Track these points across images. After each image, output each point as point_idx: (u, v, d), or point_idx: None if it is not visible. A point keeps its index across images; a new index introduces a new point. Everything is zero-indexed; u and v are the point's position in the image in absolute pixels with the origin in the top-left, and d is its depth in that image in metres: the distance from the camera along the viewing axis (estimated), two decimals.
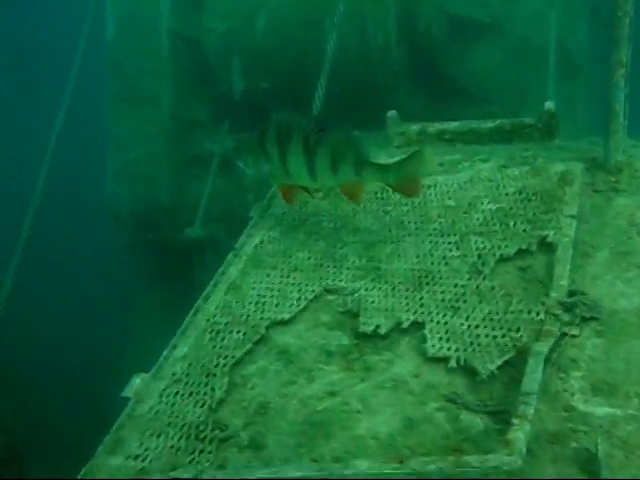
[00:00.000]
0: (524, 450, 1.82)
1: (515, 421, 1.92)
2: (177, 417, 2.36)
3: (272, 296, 2.81)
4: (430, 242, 2.90)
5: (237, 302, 2.81)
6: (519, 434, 1.86)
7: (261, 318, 2.70)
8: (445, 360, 2.34)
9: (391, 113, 3.88)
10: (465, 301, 2.56)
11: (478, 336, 2.39)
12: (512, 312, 2.46)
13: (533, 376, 2.08)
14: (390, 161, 2.99)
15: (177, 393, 2.46)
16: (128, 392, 2.49)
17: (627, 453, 1.90)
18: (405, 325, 2.52)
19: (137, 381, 2.52)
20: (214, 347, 2.62)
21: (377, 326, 2.53)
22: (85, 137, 7.60)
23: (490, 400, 2.16)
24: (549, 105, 3.54)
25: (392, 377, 2.35)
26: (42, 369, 8.23)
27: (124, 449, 2.30)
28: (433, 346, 2.40)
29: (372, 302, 2.66)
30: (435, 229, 2.97)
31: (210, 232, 6.21)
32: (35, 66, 11.94)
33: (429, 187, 3.23)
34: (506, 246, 2.75)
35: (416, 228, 3.01)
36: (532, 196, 2.96)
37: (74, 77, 6.19)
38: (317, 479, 1.89)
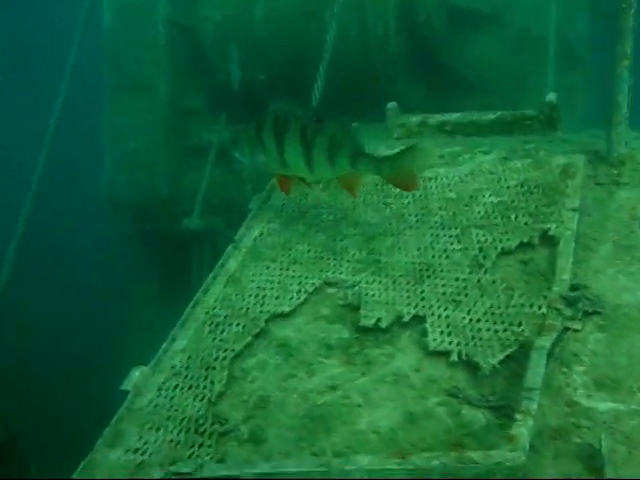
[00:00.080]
0: (527, 446, 1.81)
1: (518, 417, 1.91)
2: (176, 411, 2.35)
3: (272, 289, 2.79)
4: (431, 235, 2.88)
5: (237, 295, 2.79)
6: (522, 430, 1.85)
7: (261, 311, 2.68)
8: (446, 354, 2.32)
9: (391, 104, 3.85)
10: (466, 295, 2.55)
11: (479, 330, 2.38)
12: (514, 306, 2.44)
13: (536, 371, 2.06)
14: (387, 153, 2.98)
15: (176, 386, 2.45)
16: (127, 385, 2.47)
17: (630, 448, 1.89)
18: (406, 319, 2.50)
19: (136, 374, 2.50)
20: (214, 340, 2.60)
21: (378, 319, 2.52)
22: (83, 127, 7.54)
23: (492, 395, 2.15)
24: (551, 97, 3.51)
25: (393, 371, 2.33)
26: (39, 357, 8.22)
27: (123, 442, 2.29)
28: (434, 340, 2.38)
29: (373, 295, 2.64)
30: (436, 222, 2.95)
31: (208, 223, 6.20)
32: (31, 56, 11.86)
33: (430, 179, 3.21)
34: (508, 239, 2.73)
35: (417, 221, 2.99)
36: (534, 189, 2.94)
37: (71, 67, 6.14)
38: (319, 476, 1.87)
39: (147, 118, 6.33)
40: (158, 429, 2.30)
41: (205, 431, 2.24)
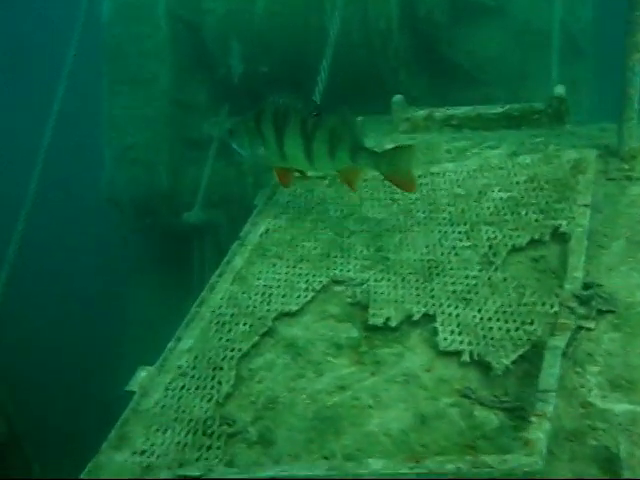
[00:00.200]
0: (544, 451, 1.77)
1: (533, 419, 1.87)
2: (183, 412, 2.31)
3: (279, 287, 2.75)
4: (439, 232, 2.84)
5: (243, 293, 2.75)
6: (539, 434, 1.81)
7: (268, 310, 2.64)
8: (457, 354, 2.29)
9: (397, 98, 3.80)
10: (477, 293, 2.51)
11: (491, 329, 2.34)
12: (525, 304, 2.40)
13: (550, 372, 2.02)
14: (386, 148, 2.95)
15: (183, 387, 2.41)
16: (133, 386, 2.43)
17: None
18: (416, 317, 2.47)
19: (142, 374, 2.46)
20: (220, 339, 2.56)
21: (387, 318, 2.48)
22: (82, 124, 7.49)
23: (505, 395, 2.11)
24: (559, 90, 3.47)
25: (403, 371, 2.30)
26: (40, 355, 8.19)
27: (129, 444, 2.25)
28: (445, 339, 2.34)
29: (381, 293, 2.60)
30: (444, 218, 2.91)
31: (209, 216, 6.16)
32: (30, 51, 11.76)
33: (437, 175, 3.17)
34: (518, 236, 2.69)
35: (425, 217, 2.95)
36: (544, 184, 2.90)
37: (70, 62, 6.07)
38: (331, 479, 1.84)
39: (147, 112, 6.28)
40: (165, 431, 2.26)
41: (213, 433, 2.20)
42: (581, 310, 2.29)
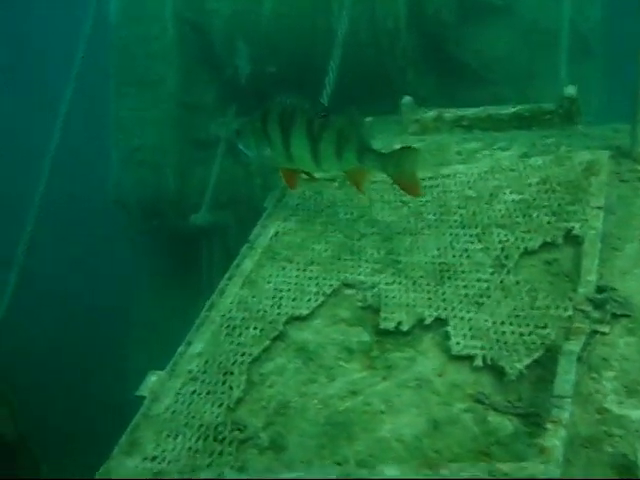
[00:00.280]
0: (561, 459, 1.75)
1: (549, 426, 1.84)
2: (194, 417, 2.29)
3: (289, 290, 2.72)
4: (451, 234, 2.82)
5: (253, 297, 2.73)
6: (555, 441, 1.79)
7: (278, 313, 2.62)
8: (470, 358, 2.26)
9: (406, 99, 3.78)
10: (489, 296, 2.48)
11: (504, 333, 2.31)
12: (538, 308, 2.37)
13: (566, 377, 2.00)
14: (393, 148, 2.93)
15: (194, 392, 2.39)
16: (143, 390, 2.42)
17: None
18: (427, 321, 2.44)
19: (152, 379, 2.44)
20: (231, 344, 2.54)
21: (399, 322, 2.45)
22: (90, 125, 7.50)
23: (519, 401, 2.09)
24: (570, 90, 3.44)
25: (415, 376, 2.27)
26: (45, 355, 8.20)
27: (140, 450, 2.23)
28: (457, 344, 2.32)
29: (393, 297, 2.58)
30: (455, 221, 2.88)
31: (216, 218, 6.15)
32: (38, 53, 11.76)
33: (448, 177, 3.14)
34: (530, 239, 2.66)
35: (436, 220, 2.92)
36: (556, 186, 2.87)
37: (77, 65, 6.08)
38: None
39: (154, 114, 6.28)
40: (176, 436, 2.24)
41: (224, 438, 2.18)
42: (595, 314, 2.26)
